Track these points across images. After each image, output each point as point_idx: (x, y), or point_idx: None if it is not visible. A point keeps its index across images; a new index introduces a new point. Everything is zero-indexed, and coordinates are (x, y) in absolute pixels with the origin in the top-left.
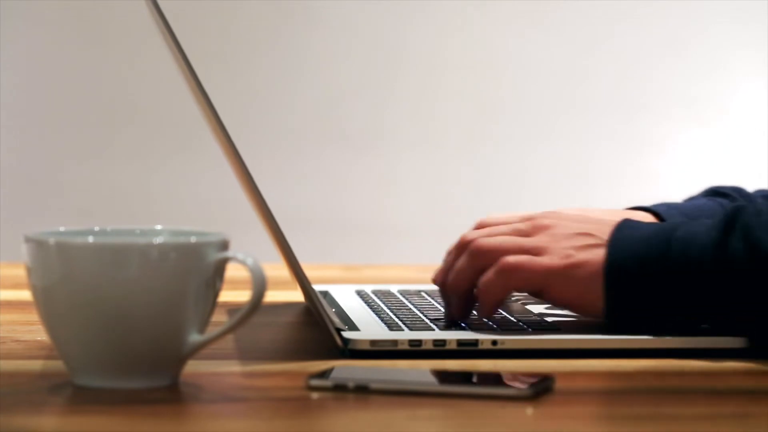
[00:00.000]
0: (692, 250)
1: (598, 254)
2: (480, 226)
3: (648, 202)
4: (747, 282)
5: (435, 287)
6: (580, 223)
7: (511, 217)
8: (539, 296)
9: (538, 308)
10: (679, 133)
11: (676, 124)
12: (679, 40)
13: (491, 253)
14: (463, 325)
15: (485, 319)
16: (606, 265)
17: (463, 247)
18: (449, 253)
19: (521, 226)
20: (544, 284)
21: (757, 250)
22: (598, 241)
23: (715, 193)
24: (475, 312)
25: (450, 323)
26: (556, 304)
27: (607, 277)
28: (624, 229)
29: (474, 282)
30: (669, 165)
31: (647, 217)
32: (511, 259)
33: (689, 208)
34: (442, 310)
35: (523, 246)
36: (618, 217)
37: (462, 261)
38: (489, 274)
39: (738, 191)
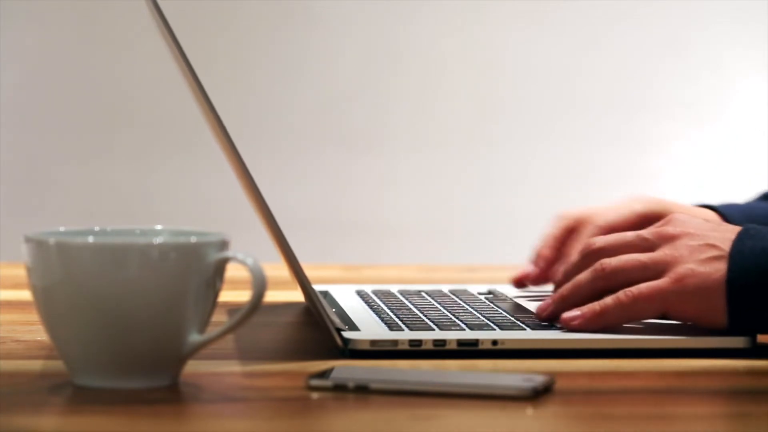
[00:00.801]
0: None
1: (720, 269)
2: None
3: None
4: None
5: (435, 287)
6: (704, 232)
7: (623, 214)
8: (663, 317)
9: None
10: (680, 132)
11: (676, 124)
12: (680, 40)
13: (614, 275)
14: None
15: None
16: (728, 279)
17: (588, 255)
18: (572, 257)
19: (647, 234)
20: (663, 308)
21: None
22: (721, 253)
23: None
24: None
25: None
26: (680, 321)
27: (729, 292)
28: (745, 240)
29: (590, 297)
30: (669, 164)
31: (713, 215)
32: (628, 294)
33: (753, 210)
34: (442, 310)
35: (647, 265)
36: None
37: (584, 277)
38: (608, 304)
39: None
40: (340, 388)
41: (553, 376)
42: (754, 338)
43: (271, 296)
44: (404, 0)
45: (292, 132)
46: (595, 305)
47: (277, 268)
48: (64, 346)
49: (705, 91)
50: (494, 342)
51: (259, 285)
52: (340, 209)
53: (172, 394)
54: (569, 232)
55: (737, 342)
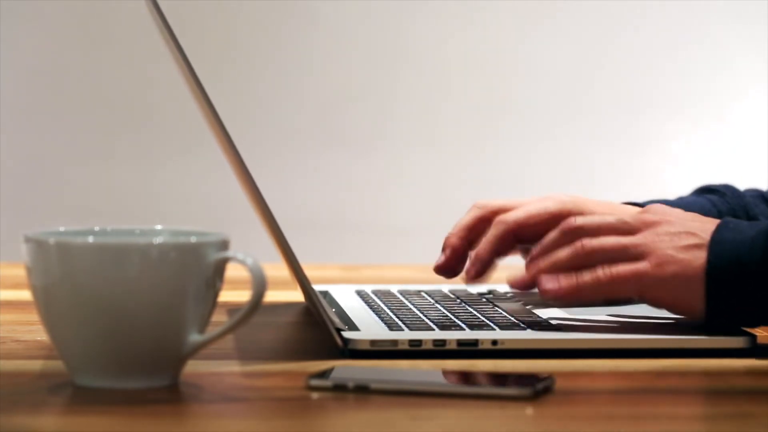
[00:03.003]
0: None
1: (700, 257)
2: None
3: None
4: None
5: (435, 287)
6: (683, 221)
7: (537, 211)
8: (639, 300)
9: (538, 309)
10: (682, 132)
11: (678, 124)
12: (682, 41)
13: (593, 255)
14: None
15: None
16: (707, 268)
17: (568, 232)
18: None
19: (628, 218)
20: (642, 290)
21: None
22: (701, 242)
23: (705, 190)
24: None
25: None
26: (656, 307)
27: (708, 281)
28: (725, 231)
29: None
30: (671, 164)
31: None
32: (606, 272)
33: (679, 206)
34: (442, 310)
35: (627, 247)
36: (610, 211)
37: (564, 254)
38: (586, 279)
39: (728, 188)
40: (340, 388)
41: (553, 376)
42: (754, 338)
43: (271, 296)
44: (406, 1)
45: (292, 132)
46: (573, 278)
47: (277, 268)
48: (64, 346)
49: (707, 91)
50: (494, 342)
51: (259, 285)
52: (340, 209)
53: (172, 394)
54: (482, 222)
55: (737, 342)
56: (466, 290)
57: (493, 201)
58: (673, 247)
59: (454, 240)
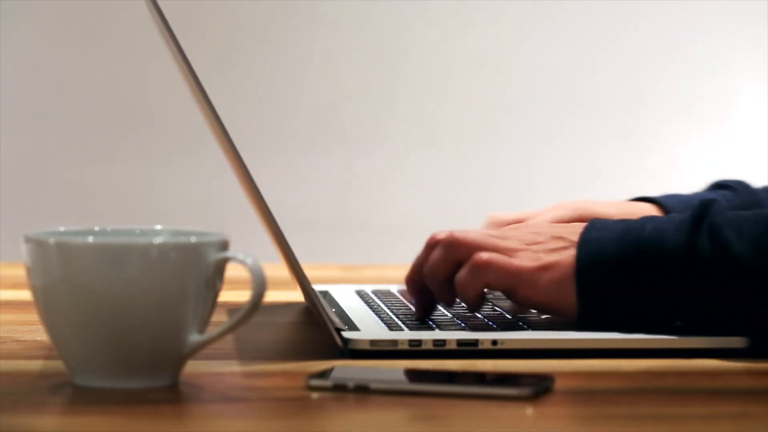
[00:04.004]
0: (660, 251)
1: (568, 255)
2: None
3: None
4: (716, 281)
5: None
6: (550, 228)
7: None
8: (510, 297)
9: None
10: (683, 132)
11: (680, 124)
12: (683, 41)
13: (465, 245)
14: (430, 323)
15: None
16: (576, 266)
17: (435, 243)
18: (420, 253)
19: (493, 232)
20: (515, 284)
21: (725, 251)
22: (568, 244)
23: (719, 186)
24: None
25: (421, 319)
26: (527, 306)
27: (578, 278)
28: (592, 230)
29: (449, 274)
30: (672, 165)
31: (652, 209)
32: (484, 255)
33: (692, 200)
34: (442, 310)
35: (498, 245)
36: (620, 210)
37: (437, 253)
38: (463, 271)
39: (740, 184)
40: (340, 388)
41: (553, 376)
42: (753, 338)
43: (271, 296)
44: (406, 1)
45: (292, 132)
46: (456, 281)
47: (277, 268)
48: (64, 346)
49: (708, 91)
50: (494, 342)
51: (259, 285)
52: (340, 209)
53: (172, 394)
54: None
55: (737, 342)
56: None
57: (507, 214)
58: (541, 250)
59: None
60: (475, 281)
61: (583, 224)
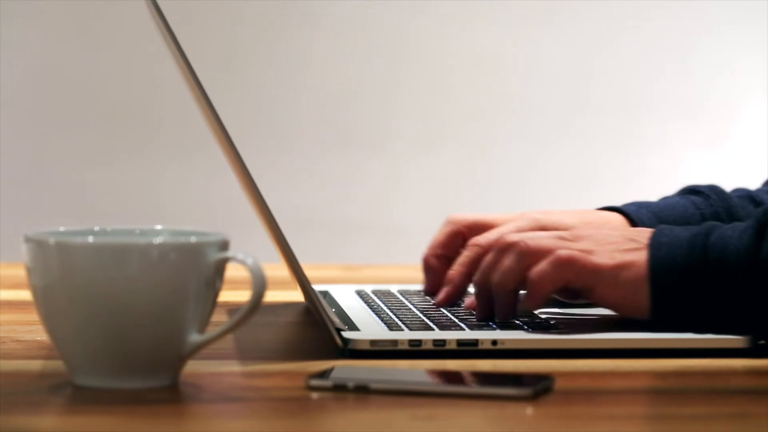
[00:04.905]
0: (726, 256)
1: (642, 256)
2: (474, 227)
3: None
4: None
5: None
6: (620, 230)
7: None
8: (585, 295)
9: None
10: (684, 133)
11: (680, 125)
12: (684, 42)
13: (541, 253)
14: (493, 325)
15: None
16: (649, 269)
17: (506, 247)
18: (479, 252)
19: (563, 233)
20: (594, 282)
21: None
22: (640, 246)
23: (690, 191)
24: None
25: (485, 322)
26: (602, 305)
27: (652, 281)
28: (661, 236)
29: (520, 281)
30: (673, 165)
31: (617, 218)
32: (565, 252)
33: (660, 208)
34: (442, 310)
35: (572, 248)
36: (588, 218)
37: (510, 260)
38: (542, 265)
39: (713, 189)
40: (340, 388)
41: (553, 376)
42: (754, 338)
43: (271, 296)
44: (407, 1)
45: (292, 132)
46: (530, 275)
47: (277, 268)
48: (64, 345)
49: (709, 92)
50: (494, 342)
51: (259, 285)
52: (340, 209)
53: (172, 394)
54: (456, 237)
55: (737, 342)
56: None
57: (466, 215)
58: (616, 250)
59: (432, 261)
60: (554, 277)
61: (650, 229)
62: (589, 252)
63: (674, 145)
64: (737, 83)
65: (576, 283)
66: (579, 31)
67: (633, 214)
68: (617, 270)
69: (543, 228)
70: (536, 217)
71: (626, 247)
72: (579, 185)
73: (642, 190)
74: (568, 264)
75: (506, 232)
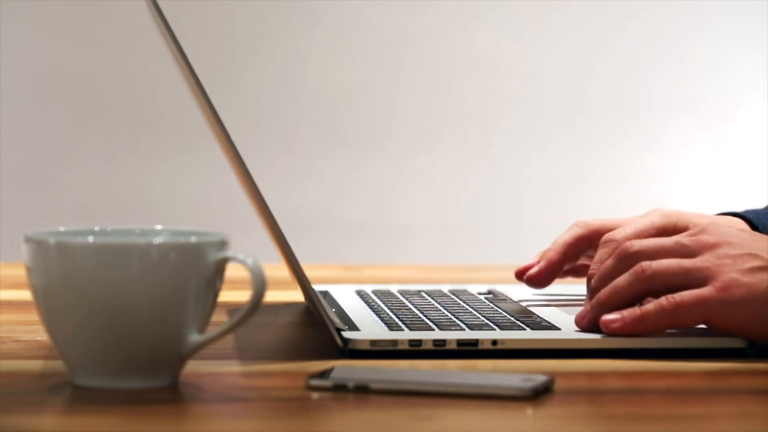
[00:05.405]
0: None
1: (765, 279)
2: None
3: (651, 203)
4: None
5: (435, 287)
6: (744, 242)
7: (642, 228)
8: (707, 326)
9: (538, 309)
10: (685, 134)
11: (681, 126)
12: (684, 42)
13: (655, 278)
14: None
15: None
16: None
17: (625, 258)
18: (604, 250)
19: (686, 241)
20: (705, 317)
21: None
22: (764, 264)
23: None
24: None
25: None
26: (723, 331)
27: None
28: None
29: (629, 301)
30: (673, 166)
31: (740, 223)
32: (670, 300)
33: None
34: (442, 310)
35: (689, 271)
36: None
37: (623, 280)
38: (649, 309)
39: None
40: (340, 388)
41: (553, 376)
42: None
43: (271, 296)
44: (408, 1)
45: (292, 132)
46: (636, 310)
47: (277, 268)
48: (63, 345)
49: (709, 92)
50: (494, 342)
51: (259, 285)
52: (340, 209)
53: (172, 394)
54: (582, 242)
55: (737, 342)
56: (465, 290)
57: (594, 220)
58: (736, 270)
59: (552, 254)
60: (663, 323)
61: None
62: (705, 274)
63: (673, 145)
64: (736, 83)
65: (690, 324)
66: (578, 31)
67: (753, 220)
68: (731, 297)
69: (674, 225)
70: (667, 214)
71: (749, 266)
72: (578, 185)
73: (642, 190)
74: (676, 308)
75: (632, 234)
